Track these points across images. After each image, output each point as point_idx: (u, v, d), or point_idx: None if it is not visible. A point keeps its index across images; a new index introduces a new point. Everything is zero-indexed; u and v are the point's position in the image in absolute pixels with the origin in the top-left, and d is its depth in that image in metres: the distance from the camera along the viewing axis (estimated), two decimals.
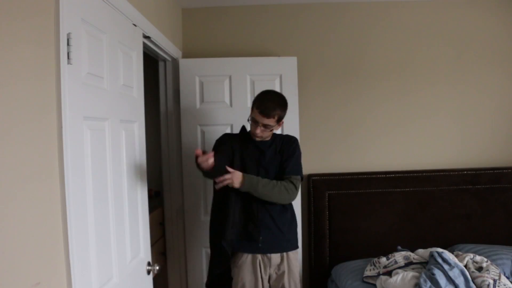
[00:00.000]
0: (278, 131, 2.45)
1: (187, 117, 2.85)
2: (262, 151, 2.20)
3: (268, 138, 2.23)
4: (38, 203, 1.14)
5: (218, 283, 2.26)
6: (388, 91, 3.08)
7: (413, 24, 3.07)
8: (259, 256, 2.21)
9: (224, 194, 2.17)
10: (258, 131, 2.11)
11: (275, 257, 2.21)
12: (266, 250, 2.19)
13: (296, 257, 2.29)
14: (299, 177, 2.22)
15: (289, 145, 2.25)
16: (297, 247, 2.30)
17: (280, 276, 2.23)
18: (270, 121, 2.09)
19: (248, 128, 2.25)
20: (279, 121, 2.13)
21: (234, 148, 2.20)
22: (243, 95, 2.86)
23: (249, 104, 2.85)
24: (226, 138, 2.27)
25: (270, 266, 2.22)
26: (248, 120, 2.18)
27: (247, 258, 2.21)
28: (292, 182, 2.16)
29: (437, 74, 3.08)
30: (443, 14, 3.06)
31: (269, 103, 2.08)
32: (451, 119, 3.10)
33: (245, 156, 2.20)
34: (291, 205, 2.28)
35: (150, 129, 2.79)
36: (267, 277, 2.23)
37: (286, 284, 2.22)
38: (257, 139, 2.18)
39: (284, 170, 2.18)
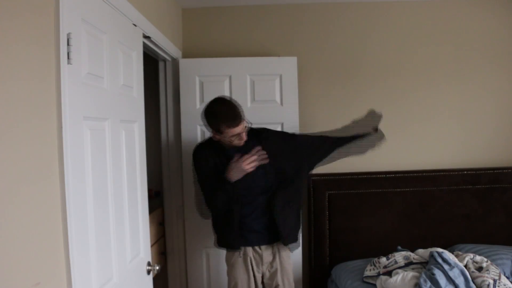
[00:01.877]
0: None
1: (187, 117, 2.85)
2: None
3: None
4: (38, 203, 1.14)
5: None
6: (388, 91, 3.08)
7: (413, 24, 3.07)
8: (250, 253, 2.20)
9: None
10: (237, 141, 2.05)
11: (267, 254, 2.21)
12: (256, 242, 2.19)
13: (288, 255, 2.29)
14: None
15: (281, 139, 2.23)
16: (297, 247, 2.31)
17: (273, 274, 2.23)
18: (241, 127, 2.02)
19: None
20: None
21: (216, 162, 2.13)
22: (243, 95, 2.86)
23: (249, 104, 2.85)
24: (203, 154, 2.19)
25: (262, 264, 2.22)
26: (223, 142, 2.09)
27: (238, 256, 2.21)
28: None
29: (437, 74, 3.08)
30: (443, 14, 3.06)
31: (232, 113, 2.00)
32: (451, 119, 3.10)
33: (224, 169, 2.11)
34: (298, 207, 2.31)
35: (150, 129, 2.79)
36: (260, 275, 2.24)
37: (280, 282, 2.23)
38: (241, 145, 2.10)
39: (325, 143, 2.28)
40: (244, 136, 2.06)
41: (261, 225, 2.18)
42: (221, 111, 2.03)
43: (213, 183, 2.13)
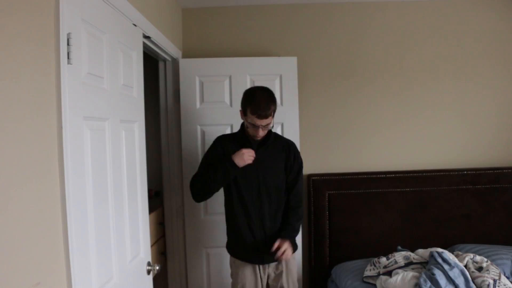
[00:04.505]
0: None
1: (187, 117, 2.85)
2: (260, 153, 2.20)
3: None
4: (38, 203, 1.14)
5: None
6: (389, 90, 3.08)
7: (412, 23, 3.07)
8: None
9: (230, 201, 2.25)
10: (260, 133, 2.13)
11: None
12: (268, 260, 2.21)
13: (293, 256, 2.31)
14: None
15: (297, 159, 2.29)
16: (295, 248, 2.31)
17: (278, 275, 2.25)
18: (269, 120, 2.10)
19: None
20: (273, 117, 2.16)
21: (228, 153, 2.18)
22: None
23: None
24: (218, 146, 2.26)
25: (268, 267, 2.25)
26: (245, 126, 2.18)
27: None
28: (301, 202, 2.28)
29: (437, 73, 3.08)
30: (442, 12, 3.06)
31: (263, 104, 2.07)
32: (451, 119, 3.10)
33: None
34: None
35: (150, 129, 2.79)
36: (266, 276, 2.25)
37: (285, 284, 2.25)
38: (257, 139, 2.17)
39: (292, 190, 2.26)
40: (261, 133, 2.13)
41: (272, 241, 2.18)
42: (258, 98, 2.09)
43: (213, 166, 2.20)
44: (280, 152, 2.25)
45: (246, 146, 2.18)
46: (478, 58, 3.07)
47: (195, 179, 2.22)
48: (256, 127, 2.10)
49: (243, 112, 2.14)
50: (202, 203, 2.85)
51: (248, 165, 2.14)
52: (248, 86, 2.85)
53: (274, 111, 2.13)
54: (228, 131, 2.84)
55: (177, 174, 2.92)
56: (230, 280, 2.36)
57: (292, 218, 2.21)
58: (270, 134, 2.23)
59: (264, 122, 2.08)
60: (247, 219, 2.19)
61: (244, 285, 2.21)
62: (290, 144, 2.31)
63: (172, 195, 2.93)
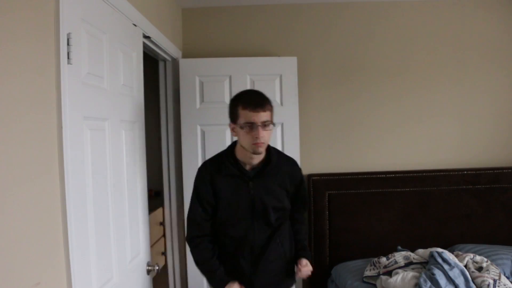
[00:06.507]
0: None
1: (187, 117, 2.85)
2: (254, 184, 1.76)
3: (263, 153, 1.75)
4: (38, 203, 1.14)
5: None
6: (389, 91, 3.08)
7: (414, 24, 3.07)
8: None
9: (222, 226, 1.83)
10: (261, 135, 1.63)
11: None
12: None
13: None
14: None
15: (300, 181, 1.92)
16: (294, 282, 2.02)
17: None
18: (267, 115, 1.65)
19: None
20: (272, 117, 1.71)
21: (216, 185, 1.76)
22: None
23: None
24: (206, 179, 1.78)
25: None
26: (237, 143, 1.76)
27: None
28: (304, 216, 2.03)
29: (437, 74, 3.07)
30: (444, 14, 3.06)
31: (254, 95, 1.70)
32: (452, 119, 3.09)
33: (231, 193, 1.76)
34: (290, 235, 1.95)
35: (150, 129, 2.79)
36: None
37: None
38: (260, 150, 1.69)
39: (299, 204, 1.96)
40: (263, 137, 1.64)
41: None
42: (247, 92, 1.78)
43: (203, 222, 1.80)
44: (283, 179, 1.83)
45: (239, 175, 1.76)
46: (477, 60, 3.07)
47: (193, 244, 1.80)
48: (253, 126, 1.63)
49: (233, 118, 1.69)
50: None
51: (243, 195, 1.76)
52: (248, 86, 2.86)
53: (272, 109, 1.69)
54: (228, 131, 2.83)
55: (177, 174, 2.92)
56: None
57: (303, 237, 1.96)
58: (270, 161, 1.78)
59: (261, 116, 1.62)
60: (237, 250, 1.81)
61: None
62: (296, 171, 1.93)
63: (172, 195, 2.93)
